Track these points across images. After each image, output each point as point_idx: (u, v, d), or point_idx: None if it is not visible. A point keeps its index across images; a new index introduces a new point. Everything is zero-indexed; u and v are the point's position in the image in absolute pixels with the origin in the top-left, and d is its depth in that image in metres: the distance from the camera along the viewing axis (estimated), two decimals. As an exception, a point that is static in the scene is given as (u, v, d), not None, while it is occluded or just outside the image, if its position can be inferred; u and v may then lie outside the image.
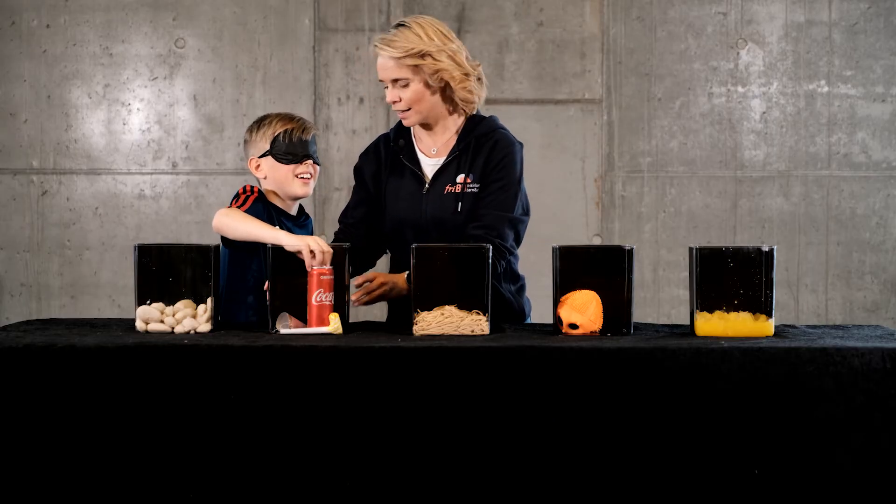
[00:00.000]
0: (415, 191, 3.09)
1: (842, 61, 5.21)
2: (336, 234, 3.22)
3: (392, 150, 3.16)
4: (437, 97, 3.06)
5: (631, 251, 2.69)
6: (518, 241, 3.11)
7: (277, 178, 3.15)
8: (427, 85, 3.03)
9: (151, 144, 5.21)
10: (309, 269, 2.73)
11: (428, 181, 3.10)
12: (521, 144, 3.12)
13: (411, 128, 3.16)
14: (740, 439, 2.44)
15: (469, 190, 3.04)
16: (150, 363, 2.47)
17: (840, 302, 5.25)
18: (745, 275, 2.65)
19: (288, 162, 3.13)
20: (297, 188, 3.16)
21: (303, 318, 2.73)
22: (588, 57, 5.21)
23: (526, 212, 3.11)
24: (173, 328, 2.71)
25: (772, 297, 2.66)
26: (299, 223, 3.22)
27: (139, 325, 2.72)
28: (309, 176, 3.17)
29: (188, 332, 2.70)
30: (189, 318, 2.72)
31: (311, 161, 3.17)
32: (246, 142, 3.22)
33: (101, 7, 5.19)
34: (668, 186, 5.23)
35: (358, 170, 3.23)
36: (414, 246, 2.70)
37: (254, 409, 2.46)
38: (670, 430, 2.45)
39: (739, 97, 5.22)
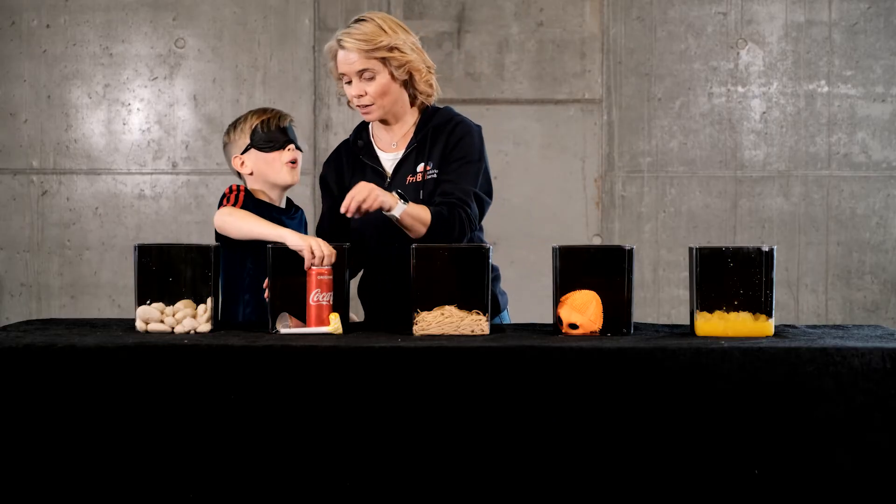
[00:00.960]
0: (377, 186, 3.09)
1: (842, 61, 5.21)
2: None
3: (352, 151, 3.17)
4: (401, 90, 3.07)
5: (631, 251, 2.69)
6: (480, 219, 3.09)
7: (263, 169, 3.15)
8: (392, 77, 3.04)
9: (151, 144, 5.21)
10: (307, 269, 2.73)
11: (389, 175, 3.10)
12: (479, 127, 3.13)
13: (370, 128, 3.18)
14: (740, 439, 2.44)
15: (430, 177, 3.05)
16: (150, 363, 2.47)
17: (840, 302, 5.25)
18: (745, 275, 2.65)
19: (271, 149, 3.14)
20: (285, 175, 3.16)
21: (303, 318, 2.73)
22: (588, 57, 5.21)
23: (488, 193, 3.09)
24: (173, 328, 2.71)
25: (772, 297, 2.66)
26: (290, 215, 3.22)
27: (139, 325, 2.72)
28: (294, 161, 3.17)
29: (188, 332, 2.70)
30: (189, 318, 2.72)
31: (293, 146, 3.17)
32: (225, 144, 3.22)
33: (101, 7, 5.20)
34: (668, 186, 5.23)
35: (322, 178, 3.24)
36: (414, 246, 2.70)
37: (254, 409, 2.46)
38: (670, 430, 2.45)
39: (739, 97, 5.22)
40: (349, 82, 3.04)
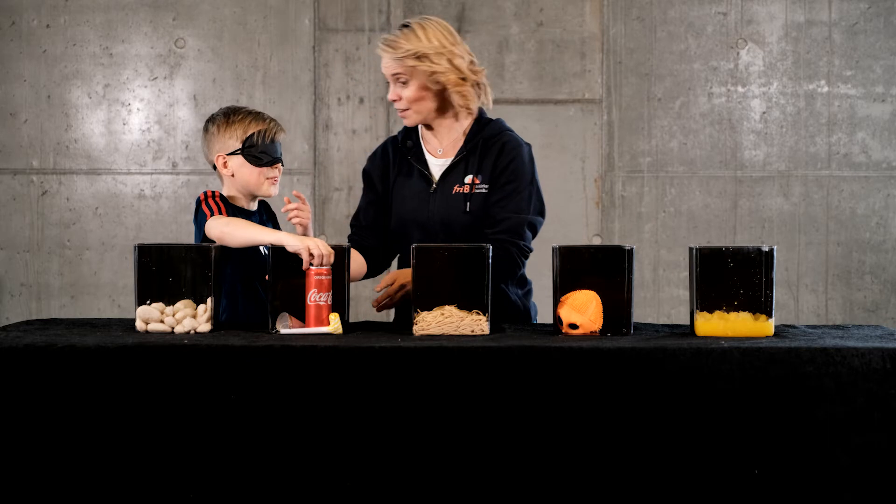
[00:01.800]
0: (422, 190, 3.11)
1: (842, 61, 5.21)
2: (349, 237, 3.23)
3: (400, 150, 3.17)
4: (436, 99, 3.08)
5: (631, 251, 2.69)
6: (533, 237, 3.12)
7: (246, 179, 3.12)
8: (425, 86, 3.04)
9: (151, 144, 5.21)
10: (306, 269, 2.73)
11: (436, 181, 3.11)
12: (528, 145, 3.14)
13: (418, 129, 3.18)
14: (740, 439, 2.44)
15: (478, 190, 3.06)
16: (150, 363, 2.47)
17: (840, 302, 5.25)
18: (745, 275, 2.65)
19: (260, 164, 3.11)
20: (266, 189, 3.14)
21: (303, 318, 2.73)
22: (588, 57, 5.21)
23: (541, 212, 3.11)
24: (173, 328, 2.71)
25: (772, 297, 2.66)
26: (262, 221, 3.21)
27: (139, 325, 2.72)
28: (277, 178, 3.16)
29: (188, 332, 2.70)
30: (189, 318, 2.72)
31: (279, 164, 3.16)
32: (210, 133, 3.17)
33: (101, 7, 5.20)
34: (668, 186, 5.23)
35: (366, 172, 3.24)
36: (414, 246, 2.70)
37: (254, 409, 2.46)
38: (670, 431, 2.45)
39: (739, 97, 5.22)
40: (388, 84, 3.09)
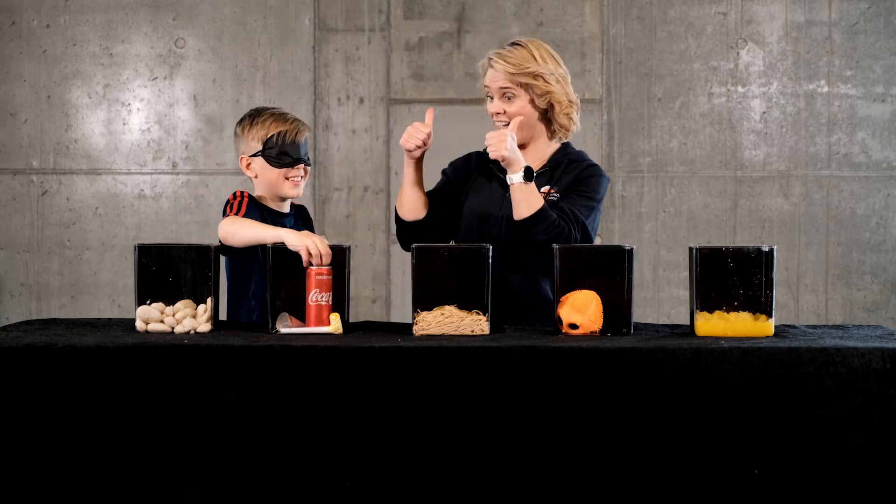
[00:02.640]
0: (500, 194, 3.14)
1: (842, 61, 5.21)
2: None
3: (485, 162, 3.21)
4: (539, 119, 3.13)
5: (631, 251, 2.69)
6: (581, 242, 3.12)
7: (268, 180, 3.14)
8: (532, 104, 3.10)
9: (151, 144, 5.21)
10: (306, 269, 2.73)
11: None
12: (608, 179, 3.19)
13: None
14: (740, 439, 2.44)
15: (550, 199, 3.09)
16: (150, 363, 2.47)
17: (840, 302, 5.25)
18: (745, 275, 2.65)
19: (280, 165, 3.12)
20: (288, 190, 3.15)
21: (303, 318, 2.73)
22: (588, 57, 5.21)
23: (594, 232, 3.13)
24: (173, 328, 2.71)
25: (772, 297, 2.66)
26: (296, 226, 3.22)
27: (139, 325, 2.72)
28: (300, 178, 3.16)
29: (188, 332, 2.70)
30: (189, 318, 2.72)
31: (302, 164, 3.16)
32: (237, 135, 3.20)
33: (101, 7, 5.20)
34: (668, 186, 5.23)
35: (445, 173, 3.29)
36: (414, 246, 2.71)
37: (254, 409, 2.46)
38: (670, 431, 2.45)
39: (739, 97, 5.22)
40: (491, 98, 3.11)
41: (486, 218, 3.13)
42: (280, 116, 3.16)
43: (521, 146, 3.15)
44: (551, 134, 3.18)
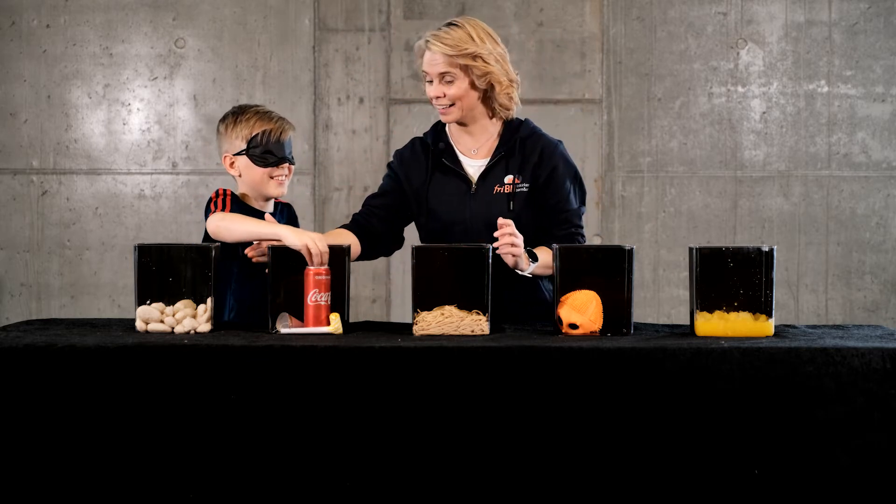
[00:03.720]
0: (461, 192, 3.12)
1: (842, 61, 5.21)
2: (355, 215, 3.21)
3: (432, 152, 3.17)
4: (480, 99, 3.10)
5: (631, 251, 2.69)
6: None
7: (252, 179, 3.11)
8: (473, 85, 3.07)
9: (151, 144, 5.21)
10: (304, 269, 2.73)
11: (474, 182, 3.11)
12: (560, 142, 3.18)
13: (447, 129, 3.19)
14: (740, 439, 2.44)
15: (519, 190, 3.09)
16: (150, 363, 2.47)
17: (840, 302, 5.25)
18: (745, 275, 2.65)
19: (265, 165, 3.09)
20: (272, 189, 3.12)
21: (302, 318, 2.73)
22: (588, 57, 5.21)
23: (583, 202, 3.18)
24: (173, 328, 2.71)
25: (772, 297, 2.66)
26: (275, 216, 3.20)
27: (139, 325, 2.72)
28: (284, 177, 3.13)
29: (188, 332, 2.70)
30: (189, 318, 2.72)
31: (287, 163, 3.13)
32: (220, 133, 3.15)
33: (101, 7, 5.20)
34: (668, 186, 5.23)
35: (392, 168, 3.24)
36: (414, 246, 2.70)
37: (254, 409, 2.46)
38: (670, 430, 2.45)
39: (739, 97, 5.22)
40: (430, 81, 3.08)
41: (454, 225, 3.11)
42: (264, 115, 3.13)
43: (463, 125, 3.14)
44: (491, 113, 3.14)
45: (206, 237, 3.03)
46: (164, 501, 2.46)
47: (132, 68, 5.21)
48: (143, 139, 5.21)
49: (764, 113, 5.22)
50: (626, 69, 5.21)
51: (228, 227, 2.93)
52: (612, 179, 5.22)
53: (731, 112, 5.23)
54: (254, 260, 2.94)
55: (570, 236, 3.10)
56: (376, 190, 3.26)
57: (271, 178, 3.11)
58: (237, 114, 3.14)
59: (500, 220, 2.86)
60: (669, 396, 2.45)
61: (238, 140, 3.11)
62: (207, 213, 3.04)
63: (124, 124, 5.21)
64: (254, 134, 3.09)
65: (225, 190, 3.09)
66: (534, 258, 2.95)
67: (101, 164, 5.22)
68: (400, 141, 5.25)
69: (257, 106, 3.17)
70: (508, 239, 2.84)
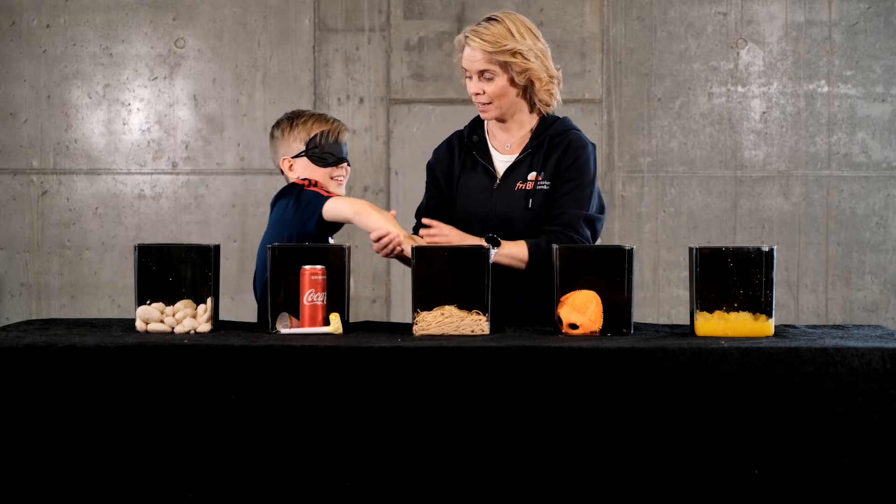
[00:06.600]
0: (486, 186, 3.12)
1: (842, 61, 5.21)
2: (414, 227, 3.22)
3: (465, 145, 3.17)
4: (519, 95, 3.09)
5: (631, 251, 2.69)
6: (595, 237, 3.11)
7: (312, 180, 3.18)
8: (512, 82, 3.05)
9: (151, 144, 5.21)
10: (300, 269, 2.73)
11: (499, 177, 3.11)
12: (594, 145, 3.15)
13: (485, 124, 3.19)
14: (740, 439, 2.44)
15: (540, 187, 3.06)
16: (150, 363, 2.47)
17: (840, 302, 5.25)
18: (745, 275, 2.65)
19: (325, 165, 3.17)
20: (333, 189, 3.19)
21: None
22: (588, 57, 5.21)
23: (601, 210, 3.13)
24: (173, 328, 2.71)
25: (772, 297, 2.66)
26: None
27: (139, 325, 2.72)
28: (343, 177, 3.22)
29: (188, 332, 2.70)
30: (189, 318, 2.72)
31: (345, 163, 3.22)
32: (275, 139, 3.24)
33: (101, 7, 5.20)
34: (668, 186, 5.23)
35: (430, 166, 3.24)
36: (414, 246, 2.70)
37: (254, 409, 2.46)
38: (670, 430, 2.45)
39: (739, 97, 5.22)
40: (469, 78, 3.06)
41: (474, 219, 3.10)
42: (321, 117, 3.22)
43: (502, 122, 3.13)
44: (531, 108, 3.13)
45: (304, 221, 3.06)
46: (164, 501, 2.46)
47: (132, 68, 5.21)
48: (143, 139, 5.21)
49: (764, 113, 5.22)
50: (626, 69, 5.21)
51: (370, 212, 3.00)
52: (612, 179, 5.22)
53: (731, 112, 5.23)
54: (381, 254, 3.01)
55: (553, 234, 3.00)
56: (423, 198, 3.26)
57: (331, 178, 3.19)
58: (293, 118, 3.23)
59: (426, 221, 2.97)
60: (669, 396, 2.45)
61: (296, 143, 3.19)
62: (312, 197, 3.06)
63: (124, 124, 5.21)
64: (312, 135, 3.18)
65: (315, 182, 3.14)
66: (496, 245, 2.93)
67: (101, 164, 5.22)
68: (400, 141, 5.26)
69: (310, 110, 3.27)
70: (431, 240, 2.92)
